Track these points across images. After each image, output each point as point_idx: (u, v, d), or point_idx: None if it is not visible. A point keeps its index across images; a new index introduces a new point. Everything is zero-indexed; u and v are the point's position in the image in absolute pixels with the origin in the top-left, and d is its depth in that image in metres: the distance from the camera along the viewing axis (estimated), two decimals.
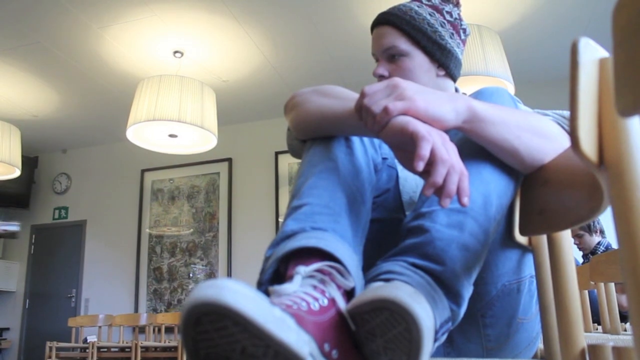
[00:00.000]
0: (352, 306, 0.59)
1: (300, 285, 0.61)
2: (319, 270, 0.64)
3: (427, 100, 0.70)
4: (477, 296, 0.83)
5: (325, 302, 0.60)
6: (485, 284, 0.84)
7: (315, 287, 0.61)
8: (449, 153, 0.66)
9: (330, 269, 0.64)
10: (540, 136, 0.74)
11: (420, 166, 0.64)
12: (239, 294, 0.46)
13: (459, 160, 0.67)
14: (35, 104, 4.93)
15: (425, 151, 0.64)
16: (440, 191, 0.65)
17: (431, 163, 0.65)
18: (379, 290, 0.54)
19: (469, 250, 0.70)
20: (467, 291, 0.70)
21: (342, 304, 0.62)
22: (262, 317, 0.47)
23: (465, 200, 0.65)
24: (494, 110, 0.73)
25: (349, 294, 0.65)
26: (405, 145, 0.69)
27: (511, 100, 0.83)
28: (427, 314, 0.53)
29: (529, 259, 0.88)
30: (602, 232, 3.25)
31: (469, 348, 0.86)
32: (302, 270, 0.63)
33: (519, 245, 0.84)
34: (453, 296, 0.68)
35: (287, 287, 0.60)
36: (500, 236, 0.83)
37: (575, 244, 3.29)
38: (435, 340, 0.63)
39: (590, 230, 3.22)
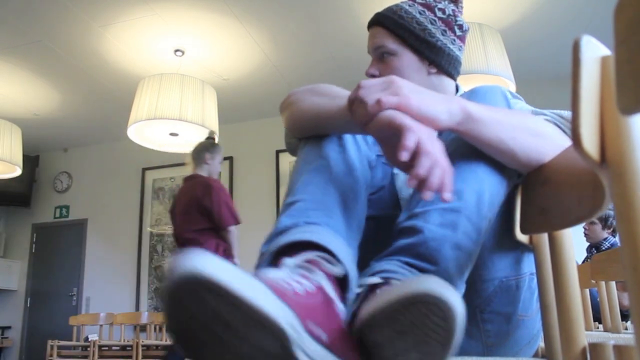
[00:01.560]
0: (375, 308, 0.56)
1: (287, 274, 0.61)
2: (307, 261, 0.64)
3: (420, 99, 0.70)
4: (475, 292, 0.84)
5: (312, 287, 0.59)
6: (482, 281, 0.84)
7: (301, 275, 0.61)
8: (434, 147, 0.66)
9: (318, 258, 0.64)
10: (535, 136, 0.74)
11: (405, 156, 0.65)
12: (213, 263, 0.46)
13: (444, 156, 0.67)
14: (36, 102, 4.93)
15: (410, 142, 0.65)
16: (423, 184, 0.65)
17: (415, 156, 0.66)
18: (407, 286, 0.53)
19: (462, 249, 0.70)
20: (460, 290, 0.71)
21: (331, 292, 0.61)
22: (238, 283, 0.46)
23: (448, 196, 0.65)
24: (488, 111, 0.73)
25: (342, 287, 0.65)
26: (392, 139, 0.70)
27: (504, 98, 0.83)
28: (458, 299, 0.53)
29: (530, 257, 0.88)
30: (614, 231, 3.26)
31: (470, 344, 0.87)
32: (289, 261, 0.63)
33: (517, 243, 0.85)
34: None
35: (272, 272, 0.60)
36: (497, 233, 0.83)
37: (584, 227, 3.31)
38: None
39: (605, 224, 3.24)
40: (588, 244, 3.41)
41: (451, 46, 1.03)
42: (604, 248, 3.23)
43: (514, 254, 0.86)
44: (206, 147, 3.14)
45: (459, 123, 0.71)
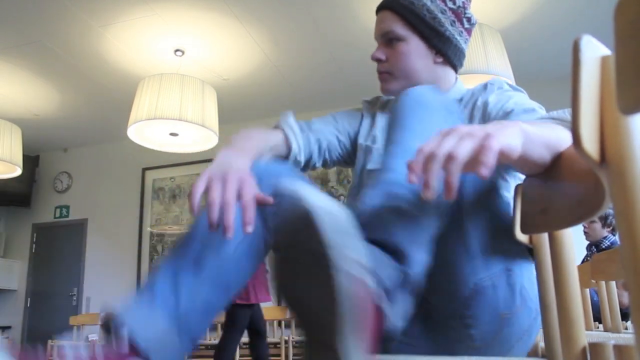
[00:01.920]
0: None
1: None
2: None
3: (501, 135, 0.63)
4: (450, 298, 0.83)
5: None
6: (456, 285, 0.82)
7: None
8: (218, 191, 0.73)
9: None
10: (560, 146, 0.72)
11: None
12: None
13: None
14: (36, 102, 4.93)
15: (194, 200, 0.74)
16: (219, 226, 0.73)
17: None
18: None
19: (402, 212, 0.70)
20: (415, 252, 0.70)
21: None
22: None
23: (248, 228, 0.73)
24: (534, 128, 0.69)
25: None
26: None
27: (508, 90, 0.82)
28: (328, 204, 0.56)
29: (502, 253, 0.84)
30: (613, 230, 3.28)
31: (457, 347, 0.85)
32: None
33: (488, 243, 0.82)
34: (394, 254, 0.67)
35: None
36: (465, 235, 0.81)
37: (584, 226, 3.32)
38: (394, 300, 0.64)
39: (605, 222, 3.25)
40: (588, 242, 3.42)
41: (458, 37, 1.03)
42: (603, 246, 3.25)
43: (484, 254, 0.83)
44: None
45: (521, 152, 0.65)
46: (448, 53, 1.03)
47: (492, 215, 0.85)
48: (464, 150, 0.58)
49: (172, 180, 5.67)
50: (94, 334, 4.74)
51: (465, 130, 0.61)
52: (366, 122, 1.13)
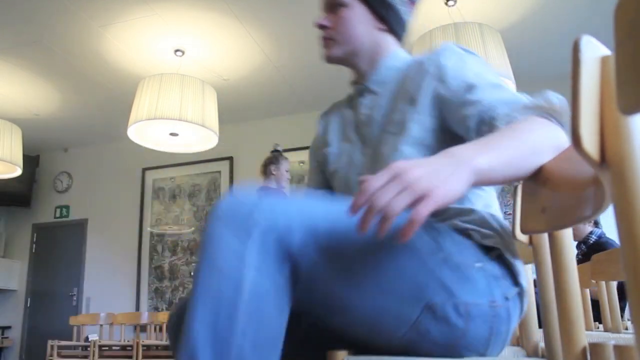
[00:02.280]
0: None
1: None
2: None
3: (443, 186, 0.62)
4: (389, 351, 0.80)
5: None
6: (385, 344, 0.80)
7: None
8: None
9: None
10: (537, 153, 0.72)
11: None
12: None
13: None
14: (36, 102, 4.93)
15: None
16: None
17: None
18: None
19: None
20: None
21: None
22: None
23: None
24: (495, 153, 0.69)
25: None
26: None
27: (463, 55, 0.85)
28: None
29: (413, 292, 0.77)
30: (596, 224, 3.33)
31: None
32: None
33: (396, 293, 0.77)
34: None
35: None
36: (350, 306, 0.77)
37: None
38: None
39: None
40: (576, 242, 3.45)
41: (401, 7, 1.05)
42: (591, 241, 3.30)
43: (394, 310, 0.77)
44: (271, 160, 3.49)
45: (474, 183, 0.66)
46: (391, 21, 1.05)
47: (387, 261, 0.76)
48: (396, 209, 0.60)
49: (172, 180, 5.67)
50: (94, 334, 4.74)
51: (410, 179, 0.61)
52: (323, 133, 1.17)
